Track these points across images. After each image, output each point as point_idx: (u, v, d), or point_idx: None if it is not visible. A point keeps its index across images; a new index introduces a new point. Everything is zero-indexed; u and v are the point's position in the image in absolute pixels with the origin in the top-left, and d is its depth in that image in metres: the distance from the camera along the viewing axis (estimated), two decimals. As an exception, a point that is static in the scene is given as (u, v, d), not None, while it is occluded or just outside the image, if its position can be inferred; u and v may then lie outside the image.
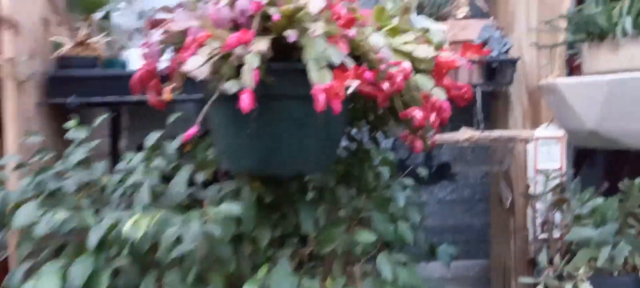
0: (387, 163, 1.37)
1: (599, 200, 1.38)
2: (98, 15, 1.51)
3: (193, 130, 0.81)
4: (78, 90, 1.37)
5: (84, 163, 1.18)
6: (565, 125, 1.02)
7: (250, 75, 0.78)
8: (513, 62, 1.42)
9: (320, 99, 0.77)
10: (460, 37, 1.45)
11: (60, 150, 1.19)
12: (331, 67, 0.84)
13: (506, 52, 1.43)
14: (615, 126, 0.91)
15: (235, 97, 0.80)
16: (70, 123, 1.14)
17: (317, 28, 0.78)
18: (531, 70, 1.47)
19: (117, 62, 1.46)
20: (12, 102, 1.25)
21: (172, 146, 1.19)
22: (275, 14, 0.80)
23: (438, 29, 1.38)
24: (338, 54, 0.85)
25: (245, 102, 0.75)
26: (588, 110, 0.93)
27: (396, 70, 0.88)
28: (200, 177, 1.26)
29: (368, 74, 0.85)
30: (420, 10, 1.55)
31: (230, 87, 0.80)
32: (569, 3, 0.99)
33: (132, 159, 1.18)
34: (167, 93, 1.09)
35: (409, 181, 1.48)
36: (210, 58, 0.80)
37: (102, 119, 1.20)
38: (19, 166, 1.16)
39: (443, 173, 1.69)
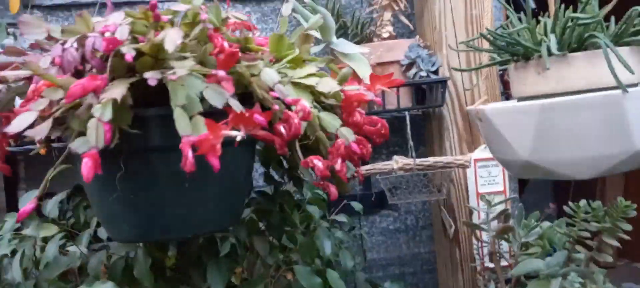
0: (317, 202, 1.23)
1: (546, 224, 1.28)
2: (-23, 54, 1.32)
3: (30, 206, 0.64)
4: (-51, 144, 1.17)
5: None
6: (497, 156, 0.91)
7: (98, 132, 0.62)
8: (443, 82, 1.31)
9: (188, 156, 0.62)
10: (386, 58, 1.33)
11: None
12: (213, 112, 0.70)
13: (435, 71, 1.31)
14: (549, 156, 0.79)
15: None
16: None
17: (180, 69, 0.63)
18: (463, 90, 1.36)
19: (-1, 107, 1.27)
20: None
21: (54, 204, 1.01)
22: (128, 53, 0.64)
23: (359, 52, 1.26)
24: (220, 96, 0.70)
25: (87, 167, 0.59)
26: (520, 139, 0.81)
27: (294, 110, 0.74)
28: (104, 233, 1.09)
29: (259, 118, 0.70)
30: (343, 31, 1.43)
31: (78, 146, 0.63)
32: (491, 20, 0.89)
33: (4, 224, 1.00)
34: (41, 147, 0.91)
35: (342, 218, 1.35)
36: (52, 113, 0.64)
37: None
38: None
39: (383, 201, 1.56)
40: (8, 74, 0.67)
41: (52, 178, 1.00)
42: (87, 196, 1.12)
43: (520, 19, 0.83)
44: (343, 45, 1.33)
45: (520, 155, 0.82)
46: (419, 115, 1.45)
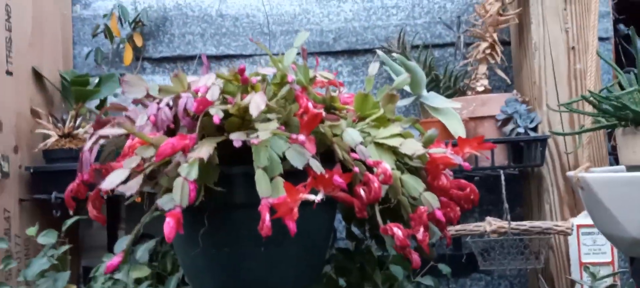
0: (401, 261, 1.18)
1: (663, 306, 1.13)
2: (93, 102, 1.45)
3: (115, 261, 0.67)
4: (62, 184, 1.28)
5: (50, 270, 1.06)
6: (601, 229, 0.82)
7: (183, 191, 0.64)
8: (543, 140, 1.22)
9: (266, 220, 0.62)
10: (480, 113, 1.27)
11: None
12: (295, 172, 0.70)
13: (534, 128, 1.23)
14: (666, 236, 0.70)
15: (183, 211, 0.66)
16: (31, 230, 1.03)
17: (263, 132, 0.64)
18: (566, 150, 1.26)
19: (108, 152, 1.37)
20: (-14, 202, 1.17)
21: (144, 250, 1.06)
22: (216, 114, 0.66)
23: (451, 106, 1.22)
24: (301, 157, 0.70)
25: (168, 227, 0.61)
26: (629, 214, 0.73)
27: (375, 172, 0.72)
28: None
29: (338, 179, 0.69)
30: (435, 83, 1.39)
31: (164, 203, 0.66)
32: (598, 75, 0.80)
33: (100, 267, 1.06)
34: (136, 196, 0.97)
35: (428, 281, 1.28)
36: (143, 170, 0.67)
37: (72, 221, 1.09)
38: (-19, 275, 1.07)
39: (475, 264, 1.47)
40: (108, 131, 0.72)
41: (135, 219, 1.05)
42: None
43: (630, 72, 0.75)
44: (433, 99, 1.29)
45: (629, 232, 0.74)
46: (515, 174, 1.36)
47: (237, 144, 0.66)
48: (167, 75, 1.56)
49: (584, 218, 1.23)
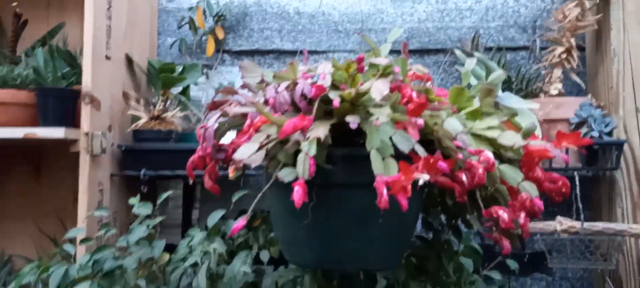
0: (471, 254, 1.22)
1: None
2: (176, 89, 1.54)
3: (241, 223, 0.74)
4: (150, 163, 1.37)
5: (147, 239, 1.15)
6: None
7: (305, 165, 0.70)
8: (618, 145, 1.24)
9: (383, 194, 0.67)
10: (554, 115, 1.30)
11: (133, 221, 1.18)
12: (399, 154, 0.75)
13: (609, 133, 1.25)
14: None
15: (290, 186, 0.73)
16: (133, 200, 1.12)
17: (381, 115, 0.69)
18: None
19: (191, 136, 1.46)
20: (85, 175, 1.27)
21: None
22: (335, 99, 0.72)
23: (527, 108, 1.25)
24: (407, 141, 0.75)
25: (298, 194, 0.67)
26: None
27: (477, 160, 0.77)
28: (265, 256, 1.20)
29: (442, 164, 0.74)
30: (507, 85, 1.42)
31: (285, 175, 0.72)
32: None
33: (194, 238, 1.14)
34: (232, 172, 1.04)
35: (496, 275, 1.32)
36: (265, 145, 0.74)
37: (166, 195, 1.17)
38: (83, 241, 1.16)
39: (537, 264, 1.49)
40: (230, 109, 0.79)
41: (217, 198, 1.12)
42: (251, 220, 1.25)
43: None
44: (509, 99, 1.31)
45: None
46: (586, 177, 1.37)
47: (353, 125, 0.72)
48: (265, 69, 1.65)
49: (657, 223, 1.24)
